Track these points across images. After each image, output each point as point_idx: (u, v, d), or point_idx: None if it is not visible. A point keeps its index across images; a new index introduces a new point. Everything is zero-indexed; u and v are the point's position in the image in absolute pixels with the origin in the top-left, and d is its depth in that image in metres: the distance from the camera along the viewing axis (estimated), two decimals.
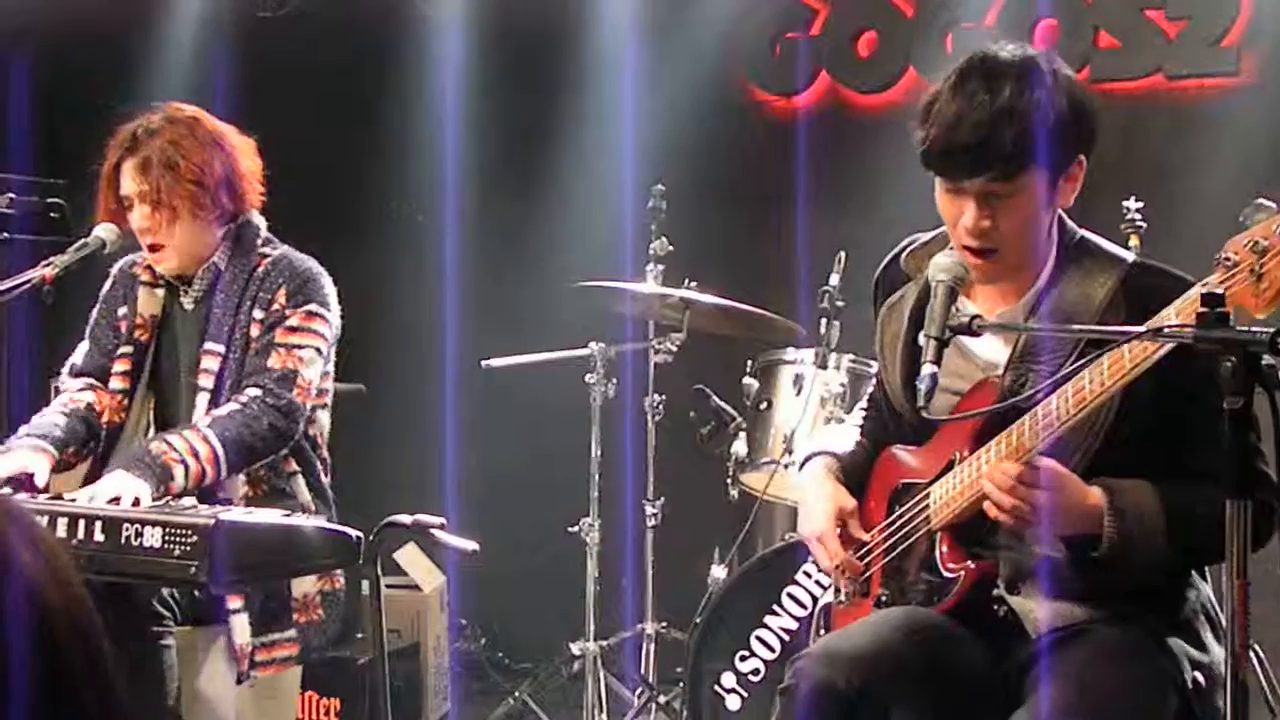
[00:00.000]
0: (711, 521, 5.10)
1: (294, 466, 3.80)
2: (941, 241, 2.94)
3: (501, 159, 6.37)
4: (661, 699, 4.94)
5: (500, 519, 5.12)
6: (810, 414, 4.57)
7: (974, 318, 2.66)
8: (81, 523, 3.22)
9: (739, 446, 4.79)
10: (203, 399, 3.73)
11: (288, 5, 6.59)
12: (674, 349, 5.11)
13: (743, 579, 4.38)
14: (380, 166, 6.54)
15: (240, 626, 3.58)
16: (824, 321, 4.63)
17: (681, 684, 4.57)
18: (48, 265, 3.63)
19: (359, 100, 6.58)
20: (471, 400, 5.91)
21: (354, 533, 3.33)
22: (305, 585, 3.71)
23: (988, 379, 2.85)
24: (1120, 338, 2.50)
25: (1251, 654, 4.09)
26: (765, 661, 4.22)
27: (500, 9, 6.39)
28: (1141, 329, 2.42)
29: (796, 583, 4.19)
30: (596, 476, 5.14)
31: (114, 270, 3.99)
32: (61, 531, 3.21)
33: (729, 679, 4.24)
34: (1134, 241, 4.40)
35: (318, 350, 3.79)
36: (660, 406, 5.20)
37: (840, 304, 4.63)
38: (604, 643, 5.10)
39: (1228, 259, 2.31)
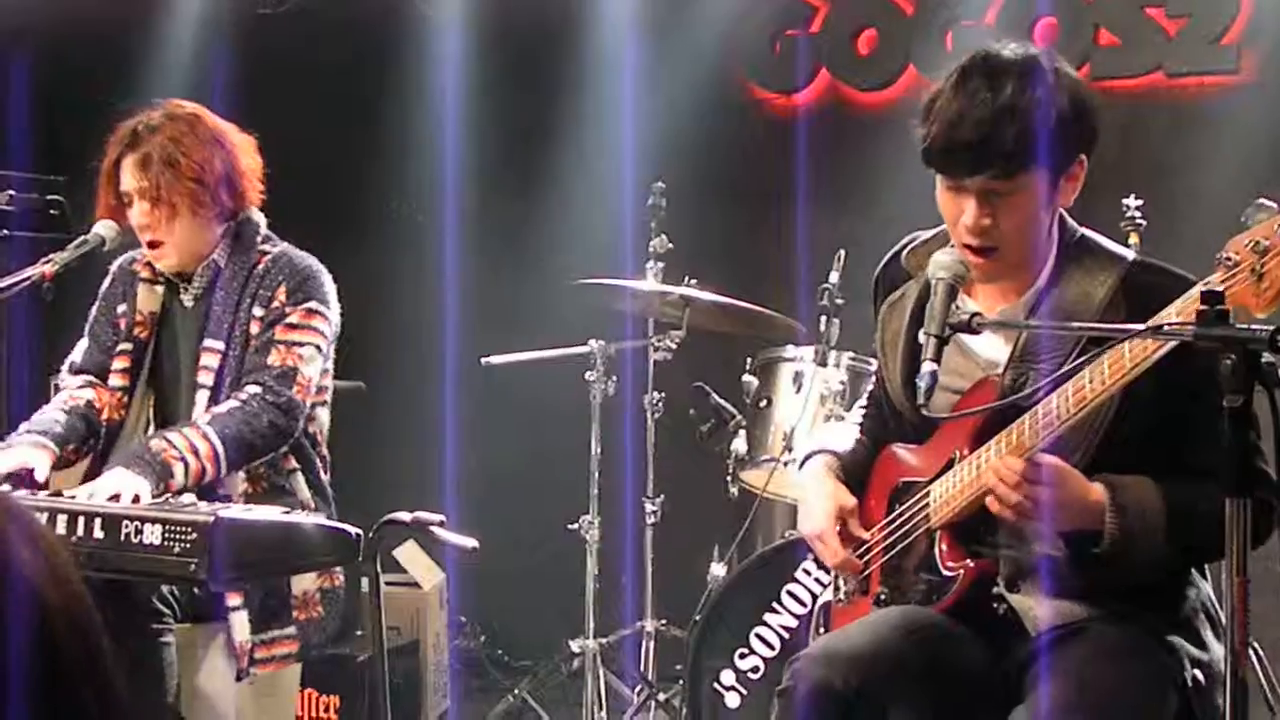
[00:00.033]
0: (711, 519, 5.10)
1: (293, 464, 3.80)
2: (942, 239, 2.94)
3: (501, 157, 6.37)
4: (661, 696, 4.94)
5: (500, 516, 5.11)
6: (810, 412, 4.57)
7: (974, 315, 2.66)
8: (81, 520, 3.22)
9: (739, 444, 4.79)
10: (202, 396, 3.73)
11: (287, 3, 6.59)
12: (674, 346, 5.11)
13: (742, 577, 4.38)
14: (380, 165, 6.54)
15: (240, 624, 3.58)
16: (824, 319, 4.63)
17: (681, 681, 4.57)
18: (47, 262, 3.62)
19: (359, 98, 6.58)
20: (471, 398, 5.91)
21: (353, 530, 3.33)
22: (305, 583, 3.71)
23: (988, 377, 2.85)
24: (1120, 335, 2.50)
25: (1251, 652, 4.09)
26: (764, 659, 4.22)
27: (500, 8, 6.40)
28: (1141, 327, 2.43)
29: (796, 580, 4.18)
30: (596, 474, 5.14)
31: (113, 268, 3.99)
32: (61, 528, 3.21)
33: (728, 677, 4.24)
34: (1134, 239, 4.40)
35: (317, 348, 3.79)
36: (660, 404, 5.20)
37: (840, 302, 4.63)
38: (603, 640, 5.10)
39: (1228, 259, 2.31)
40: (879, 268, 3.15)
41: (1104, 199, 3.99)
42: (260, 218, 3.91)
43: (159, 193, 3.69)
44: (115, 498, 3.33)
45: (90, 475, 3.67)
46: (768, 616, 4.23)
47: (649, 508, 5.19)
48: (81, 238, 3.74)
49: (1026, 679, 2.72)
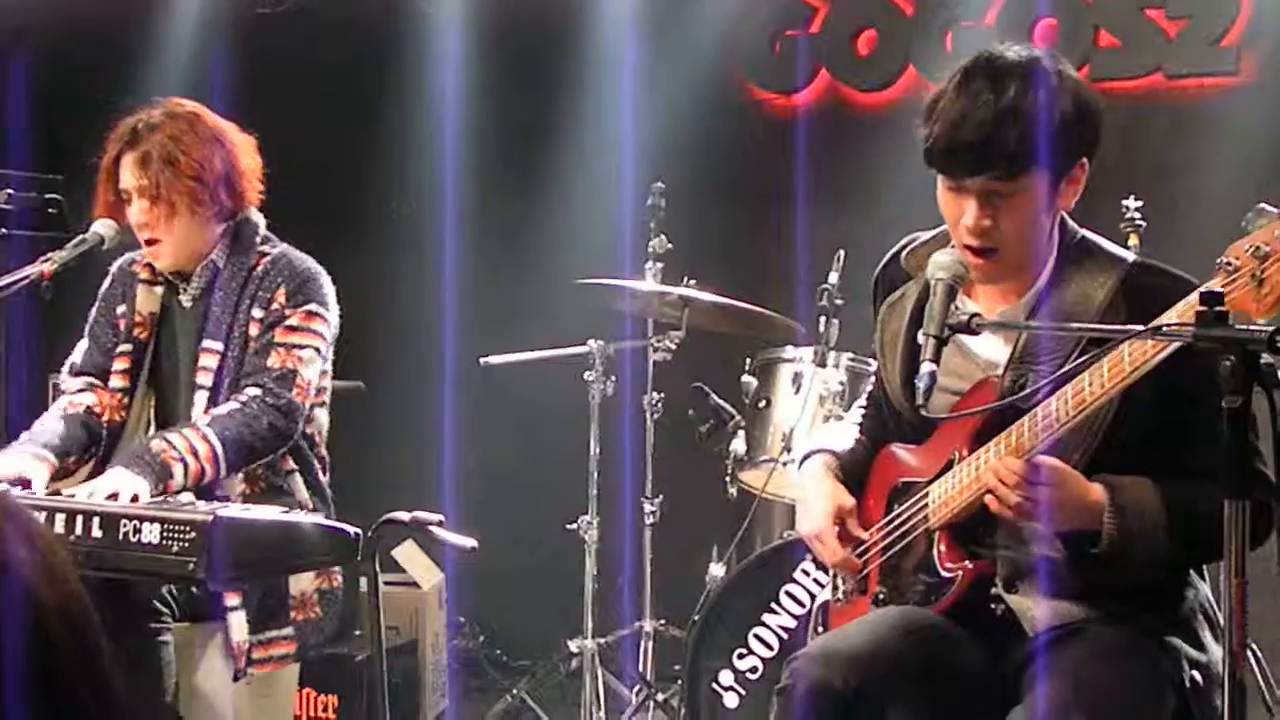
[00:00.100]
0: (710, 519, 5.10)
1: (292, 465, 3.80)
2: (942, 240, 2.94)
3: (501, 157, 6.37)
4: (659, 697, 4.94)
5: (499, 516, 5.11)
6: (809, 412, 4.58)
7: (973, 316, 2.66)
8: (79, 519, 3.22)
9: (738, 444, 4.79)
10: (201, 397, 3.73)
11: (287, 2, 6.59)
12: (673, 347, 5.11)
13: (741, 577, 4.38)
14: (379, 164, 6.54)
15: (238, 624, 3.58)
16: (823, 320, 4.63)
17: (679, 681, 4.57)
18: (46, 261, 3.62)
19: (358, 98, 6.58)
20: (470, 398, 5.91)
21: (352, 529, 3.33)
22: (303, 583, 3.71)
23: (987, 379, 2.85)
24: (1120, 336, 2.50)
25: (1249, 653, 4.09)
26: (763, 659, 4.22)
27: (500, 7, 6.39)
28: (1141, 328, 2.42)
29: (795, 581, 4.18)
30: (595, 474, 5.13)
31: (113, 268, 3.99)
32: (59, 527, 3.21)
33: (727, 677, 4.24)
34: (1133, 241, 4.41)
35: (317, 350, 3.78)
36: (659, 404, 5.20)
37: (839, 302, 4.63)
38: (602, 640, 5.09)
39: (1229, 264, 2.31)
40: (878, 268, 3.15)
41: (1104, 200, 3.99)
42: (259, 218, 3.91)
43: (158, 191, 3.69)
44: (114, 497, 3.33)
45: (93, 476, 3.67)
46: (766, 617, 4.23)
47: (648, 508, 5.19)
48: (80, 237, 3.74)
49: (1024, 679, 2.72)
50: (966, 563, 2.83)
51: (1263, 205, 3.75)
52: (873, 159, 5.62)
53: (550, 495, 5.49)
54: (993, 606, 2.82)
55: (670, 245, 5.12)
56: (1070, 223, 2.88)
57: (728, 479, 4.84)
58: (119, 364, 3.85)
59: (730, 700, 4.24)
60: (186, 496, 3.45)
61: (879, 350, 3.10)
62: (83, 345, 3.97)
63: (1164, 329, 2.39)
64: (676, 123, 6.12)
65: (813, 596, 4.03)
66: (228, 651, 3.59)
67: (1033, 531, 2.74)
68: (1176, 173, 5.53)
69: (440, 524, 3.16)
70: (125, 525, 3.17)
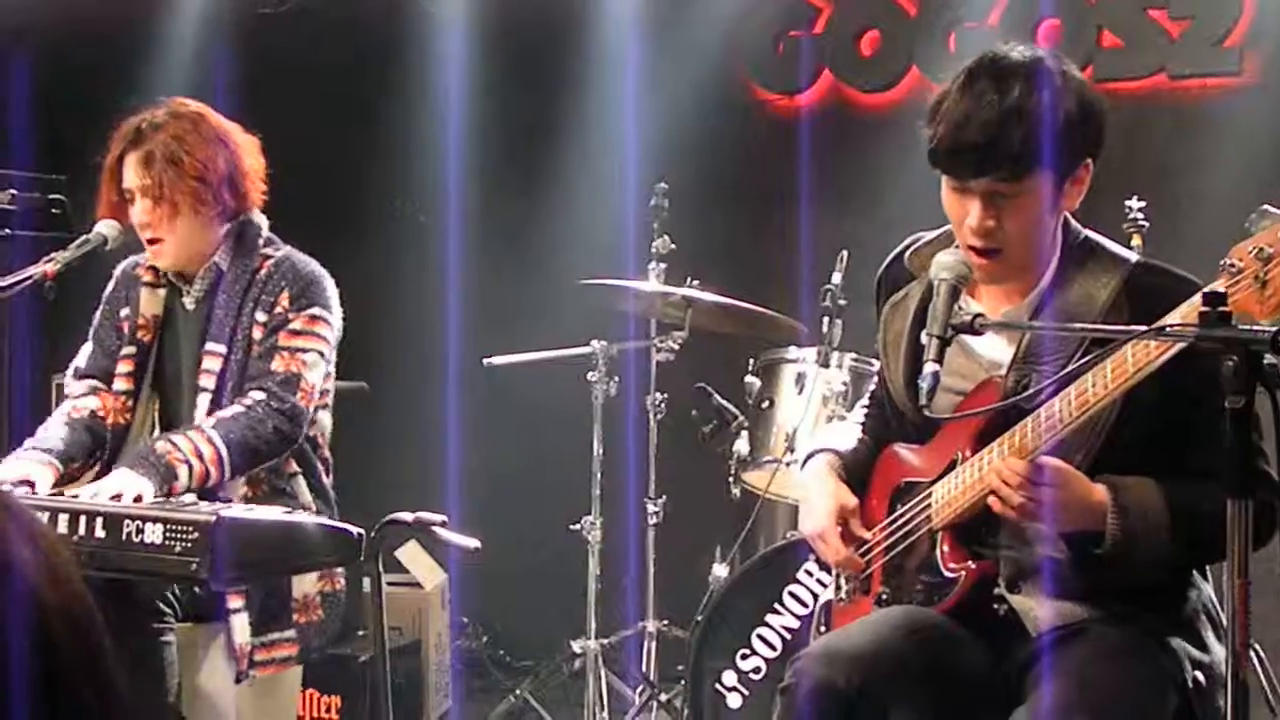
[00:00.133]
0: (713, 520, 5.10)
1: (294, 468, 3.80)
2: (945, 240, 2.94)
3: (504, 157, 6.37)
4: (663, 697, 4.94)
5: (502, 517, 5.11)
6: (812, 413, 4.57)
7: (976, 316, 2.66)
8: (82, 519, 3.22)
9: (741, 445, 4.79)
10: (204, 399, 3.73)
11: (289, 2, 6.59)
12: (676, 347, 5.11)
13: (744, 577, 4.37)
14: (382, 164, 6.54)
15: (240, 626, 3.58)
16: (826, 320, 4.62)
17: (683, 682, 4.57)
18: (49, 261, 3.62)
19: (360, 98, 6.58)
20: (473, 398, 5.91)
21: (355, 530, 3.33)
22: (305, 586, 3.71)
23: (991, 379, 2.85)
24: (1123, 337, 2.50)
25: (1252, 653, 4.09)
26: (766, 660, 4.22)
27: (503, 7, 6.39)
28: (1144, 328, 2.42)
29: (798, 581, 4.18)
30: (598, 474, 5.13)
31: (116, 271, 3.99)
32: (62, 527, 3.21)
33: (730, 677, 4.24)
34: (1136, 241, 4.40)
35: (320, 354, 3.78)
36: (662, 405, 5.20)
37: (842, 303, 4.62)
38: (605, 641, 5.10)
39: (1232, 265, 2.30)
40: (882, 268, 3.15)
41: (1107, 200, 3.99)
42: (262, 220, 3.91)
43: (161, 190, 3.68)
44: (118, 497, 3.33)
45: (98, 478, 3.67)
46: (769, 617, 4.22)
47: (651, 508, 5.19)
48: (83, 237, 3.73)
49: (1027, 680, 2.72)
50: (969, 563, 2.83)
51: (1266, 206, 3.74)
52: (876, 159, 5.62)
53: (553, 496, 5.49)
54: (995, 607, 2.82)
55: (673, 245, 5.12)
56: (1073, 223, 2.88)
57: (731, 479, 4.84)
58: (123, 367, 3.85)
59: (733, 701, 4.23)
60: (189, 497, 3.44)
61: (882, 350, 3.10)
62: (87, 348, 3.97)
63: (1167, 329, 2.38)
64: (680, 123, 6.12)
65: (816, 597, 4.03)
66: (230, 652, 3.59)
67: (1036, 532, 2.74)
68: (1179, 173, 5.52)
69: (443, 524, 3.16)
70: (128, 525, 3.17)
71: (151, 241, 3.77)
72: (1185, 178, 5.49)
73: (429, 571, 5.24)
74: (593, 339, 5.16)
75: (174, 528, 3.12)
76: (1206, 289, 2.26)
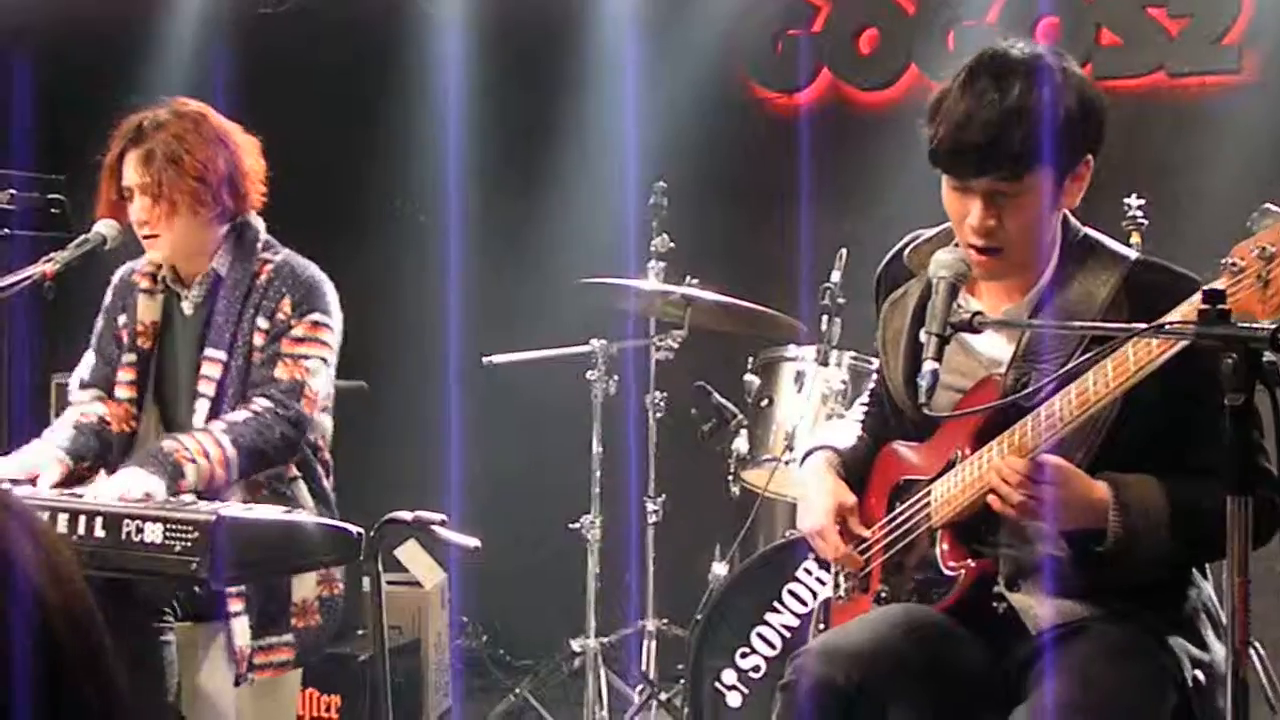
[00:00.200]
0: (712, 518, 5.10)
1: (295, 472, 3.79)
2: (944, 238, 2.94)
3: (503, 157, 6.37)
4: (662, 696, 4.94)
5: (501, 515, 5.12)
6: (811, 411, 4.57)
7: (975, 314, 2.66)
8: (82, 518, 3.21)
9: (740, 443, 4.79)
10: (203, 405, 3.72)
11: (288, 2, 6.59)
12: (675, 346, 5.11)
13: (744, 576, 4.38)
14: (381, 165, 6.54)
15: (240, 629, 3.58)
16: (825, 318, 4.62)
17: (682, 681, 4.57)
18: (48, 261, 3.62)
19: (360, 98, 6.58)
20: (473, 397, 5.91)
21: (355, 529, 3.33)
22: (305, 590, 3.71)
23: (990, 377, 2.85)
24: (1122, 334, 2.50)
25: (1252, 651, 4.09)
26: (766, 658, 4.22)
27: (501, 7, 6.39)
28: (1143, 326, 2.42)
29: (797, 580, 4.19)
30: (598, 473, 5.14)
31: (114, 279, 3.99)
32: (62, 527, 3.21)
33: (730, 676, 4.24)
34: (1135, 239, 4.40)
35: (323, 360, 3.78)
36: (661, 403, 5.20)
37: (841, 301, 4.62)
38: (605, 639, 5.10)
39: (1234, 264, 2.30)
40: (881, 266, 3.15)
41: (1106, 198, 3.99)
42: (259, 223, 3.90)
43: (160, 189, 3.68)
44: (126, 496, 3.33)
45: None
46: (769, 616, 4.23)
47: (650, 507, 5.19)
48: (83, 237, 3.73)
49: (1027, 678, 2.72)
50: (969, 561, 2.83)
51: (1268, 205, 3.74)
52: (875, 158, 5.61)
53: (553, 494, 5.49)
54: (995, 605, 2.82)
55: (672, 244, 5.12)
56: (1073, 221, 2.88)
57: (730, 478, 4.84)
58: (124, 375, 3.85)
59: (733, 699, 4.24)
60: (188, 497, 3.44)
61: (881, 348, 3.10)
62: (88, 359, 3.97)
63: (1166, 327, 2.38)
64: (678, 122, 6.12)
65: (815, 595, 4.04)
66: (230, 654, 3.59)
67: (1036, 530, 2.74)
68: (1178, 171, 5.52)
69: (443, 523, 3.16)
70: (128, 525, 3.16)
71: (148, 238, 3.76)
72: (1184, 176, 5.49)
73: (429, 571, 5.24)
74: (592, 338, 5.16)
75: (174, 527, 3.12)
76: (1207, 287, 2.26)
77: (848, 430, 3.27)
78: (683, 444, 5.22)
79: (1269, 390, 2.10)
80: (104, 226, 3.74)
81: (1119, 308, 2.74)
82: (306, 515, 3.47)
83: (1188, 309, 2.42)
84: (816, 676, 2.69)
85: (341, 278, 3.92)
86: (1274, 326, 2.09)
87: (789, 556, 4.20)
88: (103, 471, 3.77)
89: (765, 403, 4.72)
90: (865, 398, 3.34)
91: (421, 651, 5.14)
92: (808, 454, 3.24)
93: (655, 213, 5.14)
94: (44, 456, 3.65)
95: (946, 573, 2.85)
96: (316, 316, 3.78)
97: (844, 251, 4.68)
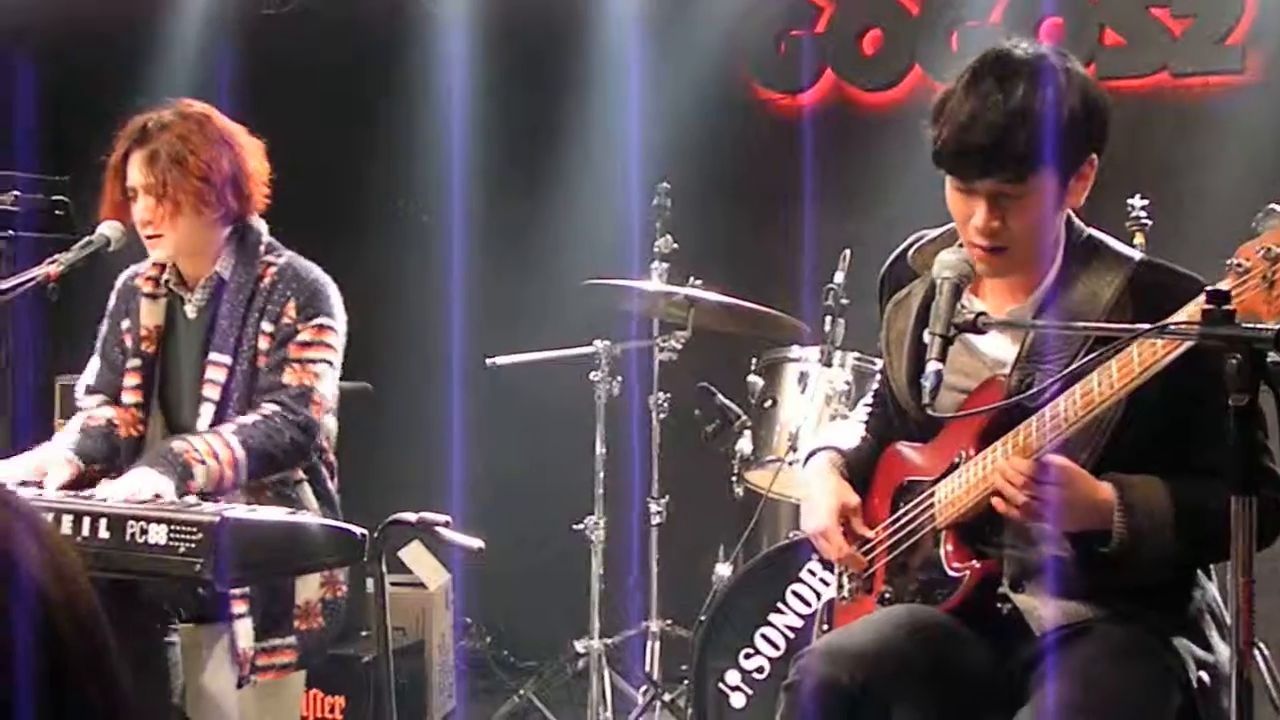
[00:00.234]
0: (716, 519, 5.10)
1: (300, 474, 3.79)
2: (948, 238, 2.94)
3: (506, 157, 6.37)
4: (666, 697, 4.94)
5: (505, 517, 5.12)
6: (815, 412, 4.57)
7: (979, 315, 2.65)
8: (86, 520, 3.21)
9: (744, 444, 4.79)
10: (207, 409, 3.72)
11: (291, 2, 6.59)
12: (679, 347, 5.11)
13: (747, 577, 4.38)
14: (385, 165, 6.54)
15: (244, 631, 3.58)
16: (829, 319, 4.62)
17: (686, 682, 4.58)
18: (52, 263, 3.62)
19: (363, 98, 6.58)
20: (477, 398, 5.91)
21: (359, 530, 3.33)
22: (308, 592, 3.70)
23: (994, 377, 2.85)
24: (1126, 334, 2.49)
25: (1257, 652, 4.08)
26: (770, 659, 4.22)
27: (505, 7, 6.39)
28: (1146, 326, 2.42)
29: (801, 580, 4.19)
30: (601, 474, 5.14)
31: (117, 284, 3.99)
32: (66, 528, 3.20)
33: (734, 677, 4.24)
34: (1139, 239, 4.40)
35: (330, 363, 3.78)
36: (665, 404, 5.21)
37: (845, 302, 4.62)
38: (609, 640, 5.10)
39: (1239, 265, 2.30)
40: (885, 266, 3.15)
41: (1109, 199, 3.99)
42: (262, 225, 3.90)
43: (164, 189, 3.68)
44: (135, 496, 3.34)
45: None
46: (773, 616, 4.23)
47: (654, 508, 5.19)
48: (86, 238, 3.73)
49: (1031, 679, 2.71)
50: (974, 562, 2.83)
51: (1273, 206, 3.74)
52: (878, 158, 5.62)
53: (556, 495, 5.49)
54: (999, 606, 2.82)
55: (676, 245, 5.12)
56: (1077, 221, 2.87)
57: (734, 479, 4.84)
58: (130, 379, 3.85)
59: (737, 700, 4.24)
60: (192, 498, 3.44)
61: (885, 348, 3.10)
62: (94, 365, 3.97)
63: (1169, 327, 2.38)
64: (682, 123, 6.12)
65: (819, 596, 4.04)
66: (234, 655, 3.59)
67: (1040, 531, 2.74)
68: (1182, 171, 5.52)
69: (447, 524, 3.16)
70: (132, 526, 3.16)
71: (151, 238, 3.76)
72: (1187, 176, 5.48)
73: (432, 572, 5.25)
74: (596, 339, 5.16)
75: (178, 528, 3.12)
76: (1211, 287, 2.25)
77: (851, 431, 3.26)
78: (686, 445, 5.22)
79: (1273, 390, 2.10)
80: (108, 228, 3.74)
81: (1123, 309, 2.73)
82: (310, 516, 3.47)
83: (1193, 309, 2.42)
84: (820, 677, 2.69)
85: (345, 278, 3.91)
86: (1278, 327, 2.08)
87: (793, 557, 4.20)
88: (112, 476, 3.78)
89: (769, 403, 4.72)
90: (869, 398, 3.33)
91: (425, 652, 5.14)
92: (811, 455, 3.24)
93: (659, 213, 5.14)
94: (53, 458, 3.66)
95: (951, 573, 2.85)
96: (322, 320, 3.78)
97: (848, 252, 4.68)
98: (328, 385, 3.77)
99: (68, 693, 1.18)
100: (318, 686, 4.58)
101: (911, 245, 3.08)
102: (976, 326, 2.65)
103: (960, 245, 2.83)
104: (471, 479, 5.63)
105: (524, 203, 6.40)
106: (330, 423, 3.90)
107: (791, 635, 4.20)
